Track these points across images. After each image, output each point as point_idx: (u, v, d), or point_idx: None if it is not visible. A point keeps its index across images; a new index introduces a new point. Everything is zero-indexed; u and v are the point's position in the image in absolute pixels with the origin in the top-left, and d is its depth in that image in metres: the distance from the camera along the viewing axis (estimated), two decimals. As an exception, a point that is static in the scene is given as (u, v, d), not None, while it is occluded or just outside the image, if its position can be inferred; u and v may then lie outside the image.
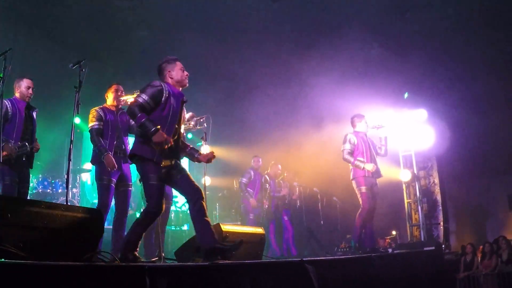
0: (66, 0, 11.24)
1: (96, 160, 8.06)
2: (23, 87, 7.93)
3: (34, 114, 8.21)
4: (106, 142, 8.07)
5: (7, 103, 7.63)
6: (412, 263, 8.45)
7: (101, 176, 7.94)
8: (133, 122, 8.25)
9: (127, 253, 5.79)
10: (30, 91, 8.00)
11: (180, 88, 6.47)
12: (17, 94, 7.95)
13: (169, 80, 6.41)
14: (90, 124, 8.12)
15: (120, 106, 8.44)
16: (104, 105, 8.45)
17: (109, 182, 7.90)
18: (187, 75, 6.52)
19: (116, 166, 7.89)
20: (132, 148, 6.15)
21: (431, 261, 9.40)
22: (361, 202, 10.08)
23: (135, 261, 5.61)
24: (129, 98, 7.91)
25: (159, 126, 5.79)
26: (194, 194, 6.04)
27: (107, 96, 8.49)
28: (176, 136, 6.22)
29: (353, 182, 10.34)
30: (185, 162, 17.50)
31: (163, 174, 5.95)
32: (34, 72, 11.22)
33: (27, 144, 7.78)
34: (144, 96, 5.99)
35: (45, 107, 11.24)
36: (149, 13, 12.08)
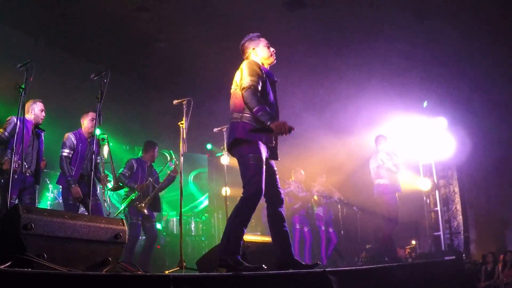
0: (85, 12, 11.29)
1: (62, 183, 8.73)
2: (37, 110, 8.24)
3: (42, 135, 8.49)
4: (73, 169, 8.60)
5: (15, 120, 7.79)
6: (433, 272, 8.39)
7: (67, 197, 8.60)
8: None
9: (226, 257, 5.36)
10: (44, 113, 8.30)
11: (268, 66, 6.15)
12: (29, 115, 8.14)
13: (254, 59, 6.07)
14: (61, 150, 8.66)
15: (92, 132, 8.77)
16: (80, 129, 8.93)
17: (74, 201, 8.50)
18: (273, 51, 6.17)
19: (81, 195, 8.49)
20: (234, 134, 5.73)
21: (451, 271, 9.33)
22: (391, 218, 10.51)
23: (237, 268, 5.22)
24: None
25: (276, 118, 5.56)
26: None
27: (82, 122, 8.94)
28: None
29: (383, 198, 10.68)
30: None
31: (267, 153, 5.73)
32: (54, 83, 11.34)
33: (26, 165, 7.90)
34: (252, 77, 5.65)
35: (66, 118, 11.32)
36: (168, 25, 12.11)
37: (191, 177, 17.21)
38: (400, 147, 12.12)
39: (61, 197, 11.51)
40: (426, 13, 11.53)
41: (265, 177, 5.67)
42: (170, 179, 10.11)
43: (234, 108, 5.84)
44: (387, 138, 11.40)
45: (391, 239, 11.02)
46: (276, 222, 5.87)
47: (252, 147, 5.60)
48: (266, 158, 5.82)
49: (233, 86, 5.98)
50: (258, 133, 5.57)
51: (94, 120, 8.65)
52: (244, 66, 5.83)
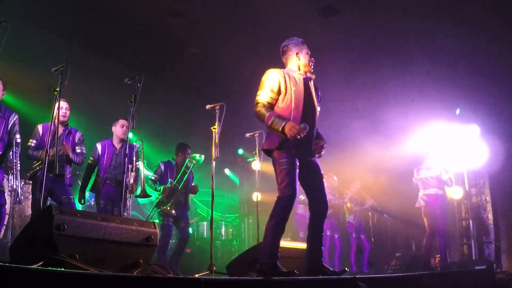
0: (119, 16, 11.38)
1: (93, 190, 9.36)
2: (55, 108, 8.17)
3: (66, 132, 8.55)
4: (100, 174, 9.14)
5: (38, 127, 8.39)
6: (463, 281, 8.33)
7: (98, 201, 9.09)
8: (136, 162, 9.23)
9: (264, 260, 5.45)
10: (63, 111, 8.31)
11: (305, 73, 6.18)
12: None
13: (293, 63, 6.23)
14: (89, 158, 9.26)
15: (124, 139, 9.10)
16: (111, 138, 9.40)
17: (106, 205, 8.98)
18: (313, 60, 6.25)
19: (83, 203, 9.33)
20: (265, 144, 5.97)
21: (482, 280, 9.25)
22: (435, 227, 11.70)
23: (271, 273, 5.25)
24: None
25: (289, 120, 5.65)
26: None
27: (113, 130, 9.36)
28: (312, 120, 6.03)
29: (433, 207, 11.76)
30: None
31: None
32: (88, 86, 11.46)
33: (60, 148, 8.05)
34: (264, 92, 5.86)
35: (99, 121, 11.44)
36: (201, 30, 12.15)
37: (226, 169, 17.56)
38: (446, 161, 12.44)
39: (92, 200, 11.78)
40: (459, 20, 11.44)
41: (309, 181, 5.91)
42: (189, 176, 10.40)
43: None
44: (439, 154, 12.12)
45: (430, 249, 11.77)
46: (314, 228, 5.96)
47: (283, 153, 5.72)
48: (307, 160, 5.96)
49: None
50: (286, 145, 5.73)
51: (124, 127, 8.91)
52: (262, 79, 6.01)
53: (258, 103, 5.83)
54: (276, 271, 5.32)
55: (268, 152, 5.93)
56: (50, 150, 7.06)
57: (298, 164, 5.76)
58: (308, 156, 6.00)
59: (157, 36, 12.20)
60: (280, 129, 5.56)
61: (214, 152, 7.48)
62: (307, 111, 5.93)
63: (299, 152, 5.80)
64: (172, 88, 14.84)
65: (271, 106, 5.85)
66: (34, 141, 8.18)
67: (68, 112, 8.52)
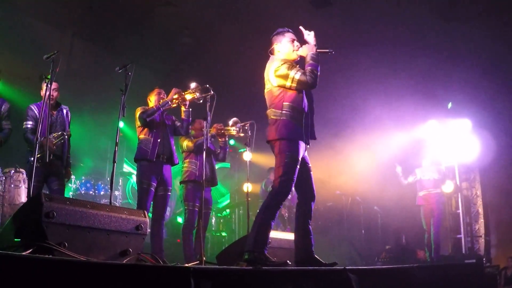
0: (110, 6, 11.33)
1: (138, 157, 8.10)
2: (44, 89, 7.90)
3: (65, 111, 8.20)
4: (149, 147, 8.01)
5: (33, 107, 7.91)
6: (453, 275, 8.34)
7: (141, 180, 7.97)
8: (178, 123, 8.41)
9: (254, 250, 5.37)
10: (54, 92, 7.98)
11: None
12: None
13: (279, 56, 6.02)
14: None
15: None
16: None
17: (149, 186, 7.92)
18: (298, 46, 6.07)
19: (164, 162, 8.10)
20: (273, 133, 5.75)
21: (471, 274, 9.27)
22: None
23: (263, 262, 5.24)
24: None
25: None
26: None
27: (149, 100, 8.52)
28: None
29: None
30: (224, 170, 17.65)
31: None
32: (80, 75, 11.42)
33: (64, 132, 7.80)
34: (294, 69, 5.75)
35: (90, 110, 11.38)
36: (192, 20, 12.11)
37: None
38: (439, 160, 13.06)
39: (83, 189, 11.63)
40: (453, 15, 11.45)
41: (299, 173, 5.70)
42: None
43: (271, 105, 5.88)
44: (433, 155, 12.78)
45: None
46: (301, 218, 5.91)
47: (291, 145, 5.64)
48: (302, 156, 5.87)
49: (267, 86, 5.99)
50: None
51: (161, 94, 8.41)
52: (277, 66, 5.83)
53: (300, 77, 5.72)
54: (268, 261, 5.30)
55: (276, 139, 5.74)
56: (50, 136, 6.94)
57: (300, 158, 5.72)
58: (307, 145, 5.98)
59: (150, 25, 12.15)
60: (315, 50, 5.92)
61: (205, 142, 7.46)
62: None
63: (303, 149, 5.81)
64: (163, 77, 14.79)
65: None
66: (30, 123, 7.78)
67: (56, 93, 7.93)
